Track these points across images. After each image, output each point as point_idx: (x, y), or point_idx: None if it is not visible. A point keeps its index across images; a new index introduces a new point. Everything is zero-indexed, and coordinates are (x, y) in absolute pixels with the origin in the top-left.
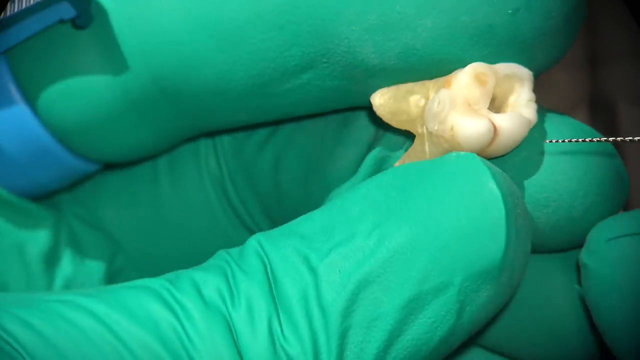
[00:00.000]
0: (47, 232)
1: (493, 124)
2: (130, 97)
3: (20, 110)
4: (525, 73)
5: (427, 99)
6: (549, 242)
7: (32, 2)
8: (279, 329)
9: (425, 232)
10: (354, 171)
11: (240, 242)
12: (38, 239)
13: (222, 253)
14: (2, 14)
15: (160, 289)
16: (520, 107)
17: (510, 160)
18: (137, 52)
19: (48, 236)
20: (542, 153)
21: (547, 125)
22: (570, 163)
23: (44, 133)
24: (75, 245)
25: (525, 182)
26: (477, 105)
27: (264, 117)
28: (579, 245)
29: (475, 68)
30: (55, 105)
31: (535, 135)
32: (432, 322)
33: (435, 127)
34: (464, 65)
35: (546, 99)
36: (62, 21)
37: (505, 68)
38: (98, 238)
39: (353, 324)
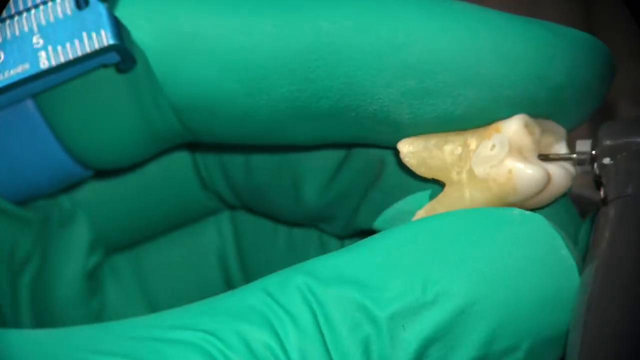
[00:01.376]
0: (31, 238)
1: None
2: (150, 126)
3: (32, 112)
4: (561, 130)
5: (464, 147)
6: None
7: (79, 53)
8: None
9: (493, 295)
10: (329, 161)
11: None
12: (23, 244)
13: (258, 293)
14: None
15: (208, 346)
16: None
17: None
18: (167, 84)
19: (31, 241)
20: None
21: None
22: None
23: (50, 136)
24: (50, 246)
25: None
26: (528, 153)
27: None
28: None
29: (523, 118)
30: (67, 114)
31: None
32: None
33: (487, 171)
34: None
35: None
36: (104, 65)
37: (544, 123)
38: (73, 236)
39: None
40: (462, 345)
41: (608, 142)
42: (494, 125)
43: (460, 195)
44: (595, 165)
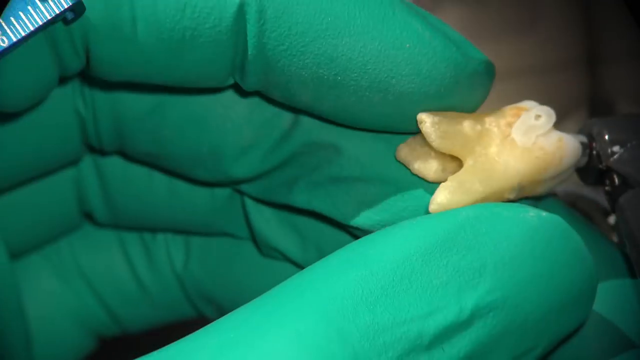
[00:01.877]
0: None
1: None
2: (60, 63)
3: None
4: None
5: (482, 124)
6: None
7: (40, 22)
8: None
9: (524, 303)
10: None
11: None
12: None
13: None
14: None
15: None
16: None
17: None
18: (85, 36)
19: None
20: None
21: None
22: None
23: None
24: None
25: None
26: None
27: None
28: None
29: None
30: None
31: None
32: None
33: (532, 140)
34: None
35: (546, 99)
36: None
37: None
38: None
39: None
40: (494, 354)
41: (622, 134)
42: (513, 107)
43: (491, 166)
44: (599, 155)
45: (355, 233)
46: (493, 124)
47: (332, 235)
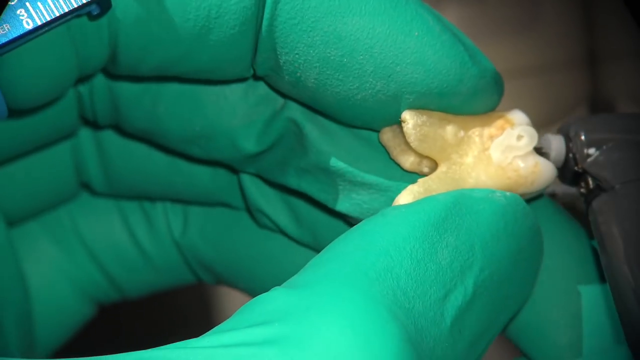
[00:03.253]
0: None
1: None
2: (81, 57)
3: None
4: None
5: (466, 131)
6: None
7: (65, 9)
8: None
9: (503, 280)
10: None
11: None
12: None
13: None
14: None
15: None
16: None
17: None
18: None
19: None
20: None
21: None
22: None
23: None
24: None
25: None
26: None
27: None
28: None
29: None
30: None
31: None
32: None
33: (509, 160)
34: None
35: (546, 99)
36: (78, 15)
37: None
38: None
39: None
40: (489, 332)
41: (598, 135)
42: (498, 115)
43: (462, 178)
44: (575, 156)
45: (346, 218)
46: (476, 132)
47: (326, 218)
